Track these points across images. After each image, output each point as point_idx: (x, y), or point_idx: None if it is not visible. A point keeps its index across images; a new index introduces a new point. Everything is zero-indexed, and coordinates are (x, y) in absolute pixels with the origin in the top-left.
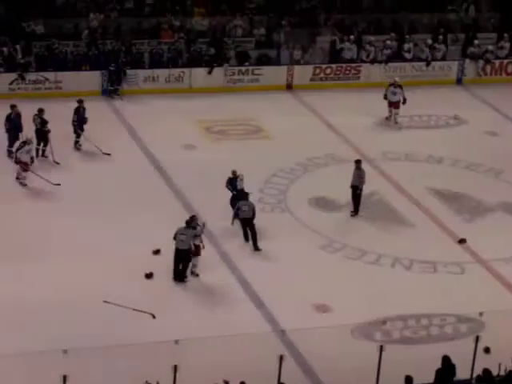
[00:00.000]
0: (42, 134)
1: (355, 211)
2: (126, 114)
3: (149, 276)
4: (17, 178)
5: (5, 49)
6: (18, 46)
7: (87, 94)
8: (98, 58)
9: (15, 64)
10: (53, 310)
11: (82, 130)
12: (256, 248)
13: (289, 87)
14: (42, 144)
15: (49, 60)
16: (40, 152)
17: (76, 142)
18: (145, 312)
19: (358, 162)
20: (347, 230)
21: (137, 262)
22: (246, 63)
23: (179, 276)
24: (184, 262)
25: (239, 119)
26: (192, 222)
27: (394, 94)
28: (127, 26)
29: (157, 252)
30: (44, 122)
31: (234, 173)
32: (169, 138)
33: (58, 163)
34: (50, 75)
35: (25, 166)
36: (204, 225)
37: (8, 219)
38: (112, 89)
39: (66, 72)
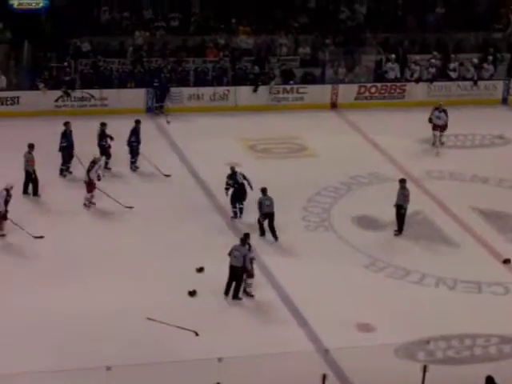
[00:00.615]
0: (104, 149)
1: (399, 230)
2: (170, 132)
3: (192, 294)
4: (85, 205)
5: (51, 65)
6: (65, 64)
7: (132, 111)
8: (143, 75)
9: (61, 81)
10: (96, 326)
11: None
12: (276, 238)
13: (333, 106)
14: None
15: (94, 77)
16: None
17: (132, 163)
18: (188, 330)
19: (402, 181)
20: (391, 249)
21: (180, 279)
22: (291, 82)
23: (233, 294)
24: (237, 279)
25: (283, 137)
26: (246, 240)
27: (439, 117)
28: (172, 43)
29: (200, 270)
30: (105, 136)
31: (232, 168)
32: (213, 156)
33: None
34: (96, 92)
35: (93, 187)
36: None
37: (60, 235)
38: (157, 106)
39: (111, 89)
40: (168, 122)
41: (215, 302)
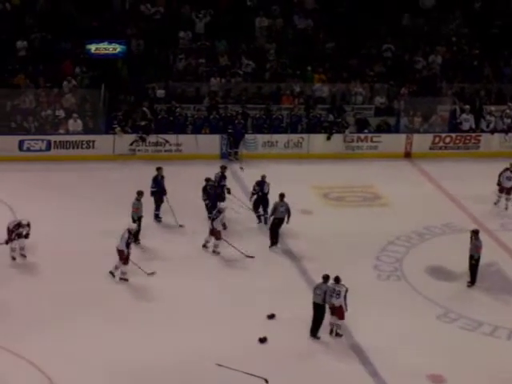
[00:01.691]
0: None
1: (472, 281)
2: (243, 178)
3: (263, 340)
4: (214, 251)
5: (127, 110)
6: (142, 108)
7: (207, 157)
8: (218, 121)
9: (137, 125)
10: (166, 373)
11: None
12: (276, 243)
13: (407, 155)
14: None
15: (169, 122)
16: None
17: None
18: (258, 377)
19: (475, 232)
20: (463, 300)
21: (251, 325)
22: (366, 130)
23: (311, 328)
24: (318, 316)
25: (357, 186)
26: (328, 278)
27: (510, 179)
28: (248, 90)
29: (271, 317)
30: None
31: (262, 177)
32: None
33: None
34: (171, 138)
35: (219, 235)
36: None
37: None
38: (231, 152)
39: (187, 135)
40: (241, 169)
41: (285, 349)
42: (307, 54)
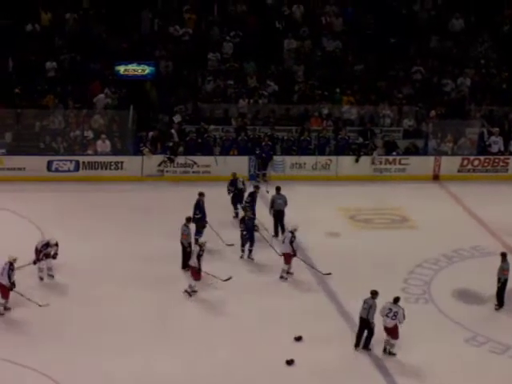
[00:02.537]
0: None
1: (499, 304)
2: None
3: (290, 363)
4: (281, 277)
5: (156, 131)
6: (172, 131)
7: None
8: (246, 143)
9: (165, 146)
10: None
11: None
12: (283, 231)
13: (435, 178)
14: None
15: (198, 144)
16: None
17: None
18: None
19: (503, 255)
20: (491, 323)
21: (278, 347)
22: (394, 153)
23: (364, 344)
24: (367, 330)
25: (385, 208)
26: (377, 294)
27: None
28: (276, 112)
29: (299, 339)
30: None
31: (233, 175)
32: (313, 225)
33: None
34: (199, 159)
35: (290, 258)
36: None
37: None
38: (259, 173)
39: (215, 156)
40: (267, 192)
41: (311, 373)
42: (336, 76)
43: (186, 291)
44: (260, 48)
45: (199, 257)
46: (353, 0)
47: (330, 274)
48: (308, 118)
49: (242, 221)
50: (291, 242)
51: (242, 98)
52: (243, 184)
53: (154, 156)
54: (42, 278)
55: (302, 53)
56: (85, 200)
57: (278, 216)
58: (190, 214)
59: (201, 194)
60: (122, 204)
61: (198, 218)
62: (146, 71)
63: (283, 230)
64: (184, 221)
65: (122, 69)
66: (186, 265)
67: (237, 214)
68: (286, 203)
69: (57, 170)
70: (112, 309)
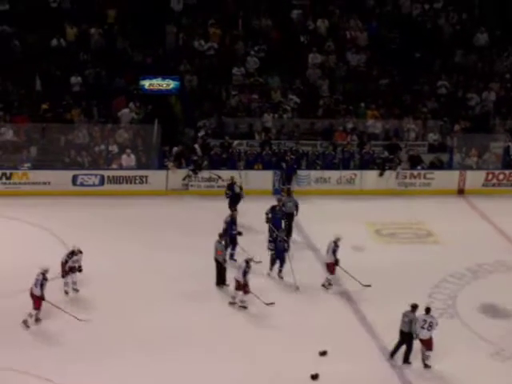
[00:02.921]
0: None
1: None
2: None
3: (314, 377)
4: (323, 285)
5: (180, 145)
6: (196, 145)
7: (259, 192)
8: (270, 157)
9: (189, 161)
10: None
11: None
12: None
13: (460, 192)
14: (230, 247)
15: (222, 158)
16: (228, 256)
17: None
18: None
19: None
20: None
21: (300, 361)
22: (419, 167)
23: (404, 358)
24: (407, 344)
25: (409, 223)
26: (416, 307)
27: None
28: (300, 126)
29: (323, 353)
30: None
31: (232, 178)
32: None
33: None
34: (224, 173)
35: (334, 269)
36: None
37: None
38: (283, 188)
39: (239, 170)
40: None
41: None
42: (360, 91)
43: (240, 306)
44: (284, 62)
45: (245, 273)
46: (377, 14)
47: (369, 285)
48: (333, 133)
49: (273, 241)
50: (334, 252)
51: (267, 112)
52: (240, 189)
53: (178, 170)
54: (67, 292)
55: (327, 67)
56: (109, 214)
57: (288, 219)
58: (216, 228)
59: (234, 210)
60: (147, 218)
61: (236, 233)
62: (171, 86)
63: (290, 232)
64: (217, 237)
65: (146, 83)
66: (220, 281)
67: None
68: (296, 206)
69: (82, 185)
70: (141, 324)
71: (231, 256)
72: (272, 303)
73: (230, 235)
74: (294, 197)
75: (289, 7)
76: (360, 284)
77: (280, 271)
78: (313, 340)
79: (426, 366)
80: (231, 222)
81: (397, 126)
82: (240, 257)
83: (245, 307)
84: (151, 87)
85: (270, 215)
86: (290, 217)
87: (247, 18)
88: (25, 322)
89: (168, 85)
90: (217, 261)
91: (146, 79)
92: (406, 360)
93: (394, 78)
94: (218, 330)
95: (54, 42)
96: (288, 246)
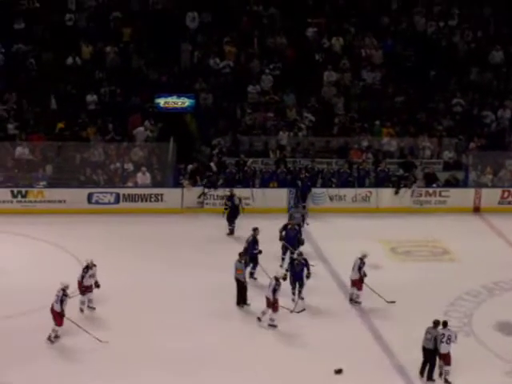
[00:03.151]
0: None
1: None
2: (311, 232)
3: (338, 372)
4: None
5: (195, 163)
6: (211, 164)
7: (274, 210)
8: (285, 175)
9: (205, 179)
10: None
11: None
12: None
13: (476, 210)
14: (250, 266)
15: (237, 176)
16: (248, 274)
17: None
18: None
19: None
20: None
21: (316, 379)
22: (434, 185)
23: (427, 376)
24: (430, 361)
25: (425, 240)
26: (438, 323)
27: None
28: (316, 144)
29: (339, 372)
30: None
31: (231, 191)
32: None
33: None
34: (238, 191)
35: (361, 285)
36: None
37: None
38: (298, 205)
39: (255, 189)
40: (307, 224)
41: None
42: (375, 108)
43: (269, 325)
44: (300, 80)
45: (275, 291)
46: (392, 32)
47: (393, 302)
48: (348, 151)
49: (291, 263)
50: (360, 269)
51: (282, 130)
52: (240, 201)
53: (193, 188)
54: (82, 310)
55: (342, 85)
56: (125, 232)
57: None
58: (232, 246)
59: (255, 230)
60: (162, 236)
61: (256, 253)
62: (186, 104)
63: (301, 243)
64: (233, 255)
65: (162, 101)
66: (241, 300)
67: (231, 231)
68: (303, 216)
69: (97, 203)
70: (159, 343)
71: (251, 275)
72: (303, 310)
73: (250, 254)
74: (301, 208)
75: (304, 25)
76: (385, 301)
77: (300, 292)
78: (329, 357)
79: (447, 381)
80: (253, 242)
81: (412, 144)
82: (259, 275)
83: (274, 326)
84: (166, 105)
85: (283, 233)
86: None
87: (262, 36)
88: (49, 338)
89: (183, 103)
90: (237, 280)
91: (161, 97)
92: (430, 377)
93: (410, 96)
94: (240, 350)
95: (70, 60)
96: (309, 271)
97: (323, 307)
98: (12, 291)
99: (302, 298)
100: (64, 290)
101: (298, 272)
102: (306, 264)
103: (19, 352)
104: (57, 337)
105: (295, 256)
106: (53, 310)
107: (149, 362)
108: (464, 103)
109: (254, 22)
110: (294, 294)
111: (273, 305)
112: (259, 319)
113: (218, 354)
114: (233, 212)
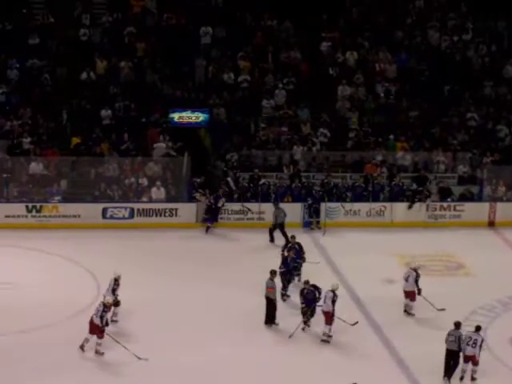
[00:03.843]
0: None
1: None
2: (326, 246)
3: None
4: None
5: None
6: (228, 179)
7: (288, 225)
8: (300, 190)
9: (222, 192)
10: None
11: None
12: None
13: (491, 224)
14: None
15: (252, 191)
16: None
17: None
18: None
19: None
20: None
21: None
22: (449, 199)
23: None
24: (454, 362)
25: (440, 255)
26: (460, 324)
27: None
28: (330, 159)
29: None
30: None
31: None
32: (368, 272)
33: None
34: (254, 206)
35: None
36: None
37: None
38: (312, 221)
39: (269, 203)
40: (323, 234)
41: None
42: (389, 123)
43: (322, 340)
44: (314, 95)
45: (333, 302)
46: (406, 47)
47: (443, 309)
48: (363, 165)
49: (301, 293)
50: (416, 281)
51: (296, 144)
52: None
53: (206, 200)
54: (107, 324)
55: (356, 99)
56: (139, 247)
57: (280, 227)
58: (248, 260)
59: (293, 237)
60: (177, 251)
61: (283, 272)
62: (200, 118)
63: (286, 237)
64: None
65: (176, 116)
66: (270, 320)
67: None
68: (284, 214)
69: (112, 217)
70: (172, 357)
71: (282, 294)
72: (356, 322)
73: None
74: (281, 208)
75: (318, 40)
76: (435, 309)
77: (308, 319)
78: (343, 373)
79: (473, 378)
80: (283, 260)
81: (426, 159)
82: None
83: (328, 341)
84: (181, 120)
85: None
86: (282, 224)
87: (276, 50)
88: (82, 347)
89: (197, 117)
90: (268, 298)
91: (175, 112)
92: (450, 376)
93: (424, 110)
94: (255, 364)
95: (84, 75)
96: (319, 295)
97: (339, 323)
98: (26, 306)
99: (309, 326)
100: (105, 305)
101: (309, 299)
102: (316, 289)
103: (31, 367)
104: (97, 352)
105: (303, 286)
106: (92, 323)
107: (174, 381)
108: (478, 117)
109: (268, 37)
110: (305, 323)
111: (330, 317)
112: (325, 340)
113: (231, 368)
114: (212, 211)
